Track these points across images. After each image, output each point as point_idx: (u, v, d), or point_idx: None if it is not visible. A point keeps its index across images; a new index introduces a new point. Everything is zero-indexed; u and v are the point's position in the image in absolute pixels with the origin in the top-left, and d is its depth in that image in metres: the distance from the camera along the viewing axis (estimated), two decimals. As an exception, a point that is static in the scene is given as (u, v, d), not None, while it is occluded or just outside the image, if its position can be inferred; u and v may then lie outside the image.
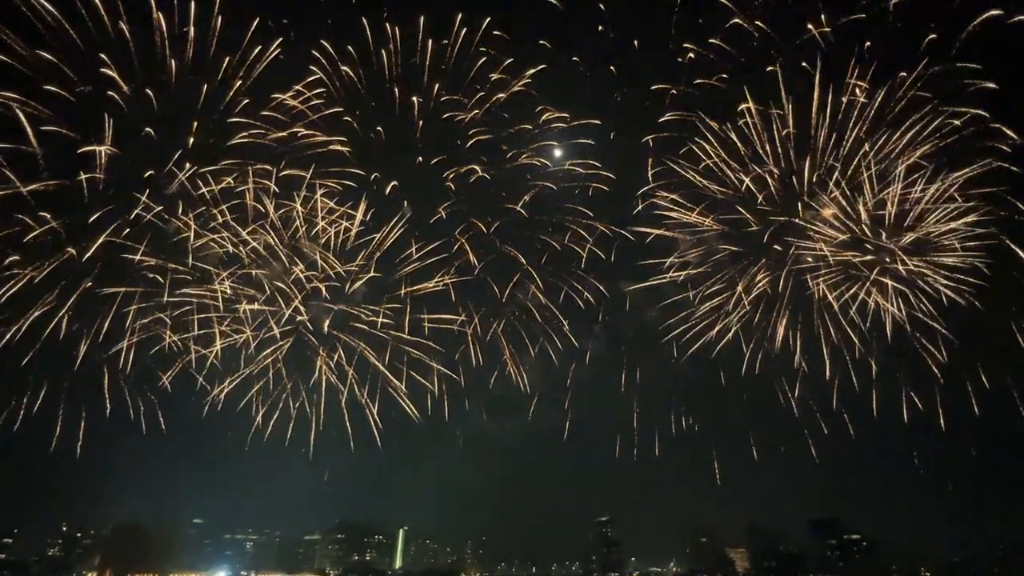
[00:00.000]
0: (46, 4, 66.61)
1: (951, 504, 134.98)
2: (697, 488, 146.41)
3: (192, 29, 71.00)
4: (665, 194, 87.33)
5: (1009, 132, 76.66)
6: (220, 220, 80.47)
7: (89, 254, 76.07)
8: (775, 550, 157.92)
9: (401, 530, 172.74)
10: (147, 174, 75.31)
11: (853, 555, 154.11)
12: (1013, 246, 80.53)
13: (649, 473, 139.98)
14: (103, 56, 71.27)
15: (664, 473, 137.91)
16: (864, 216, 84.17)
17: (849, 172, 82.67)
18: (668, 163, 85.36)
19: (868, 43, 77.70)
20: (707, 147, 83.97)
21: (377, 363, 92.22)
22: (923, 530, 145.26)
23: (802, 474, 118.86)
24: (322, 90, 77.99)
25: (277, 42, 74.26)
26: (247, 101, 76.24)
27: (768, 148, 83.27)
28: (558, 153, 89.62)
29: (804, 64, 78.58)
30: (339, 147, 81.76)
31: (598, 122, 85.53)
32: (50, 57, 69.63)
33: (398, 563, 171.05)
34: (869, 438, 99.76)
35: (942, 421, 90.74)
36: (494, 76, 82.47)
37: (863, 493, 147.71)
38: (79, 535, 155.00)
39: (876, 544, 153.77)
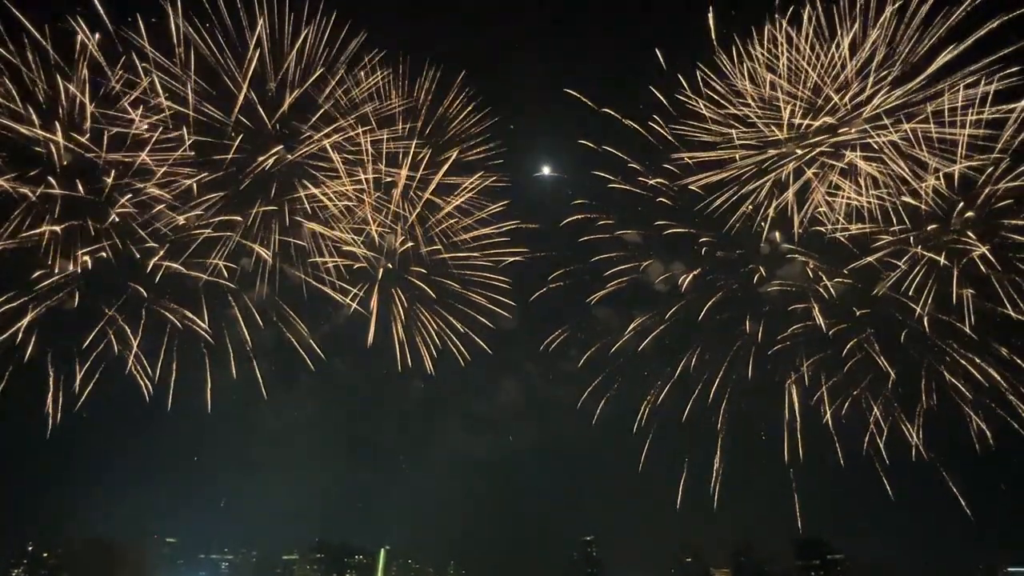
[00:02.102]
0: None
1: (930, 526, 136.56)
2: (682, 509, 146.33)
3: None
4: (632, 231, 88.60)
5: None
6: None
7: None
8: (760, 571, 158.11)
9: (382, 549, 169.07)
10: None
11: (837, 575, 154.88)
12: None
13: (634, 493, 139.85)
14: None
15: (649, 494, 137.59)
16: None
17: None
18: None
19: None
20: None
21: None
22: (904, 551, 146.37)
23: (785, 497, 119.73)
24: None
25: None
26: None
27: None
28: (546, 170, 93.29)
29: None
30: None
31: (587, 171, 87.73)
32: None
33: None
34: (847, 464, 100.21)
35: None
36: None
37: (844, 515, 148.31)
38: (45, 555, 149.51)
39: (859, 565, 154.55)
